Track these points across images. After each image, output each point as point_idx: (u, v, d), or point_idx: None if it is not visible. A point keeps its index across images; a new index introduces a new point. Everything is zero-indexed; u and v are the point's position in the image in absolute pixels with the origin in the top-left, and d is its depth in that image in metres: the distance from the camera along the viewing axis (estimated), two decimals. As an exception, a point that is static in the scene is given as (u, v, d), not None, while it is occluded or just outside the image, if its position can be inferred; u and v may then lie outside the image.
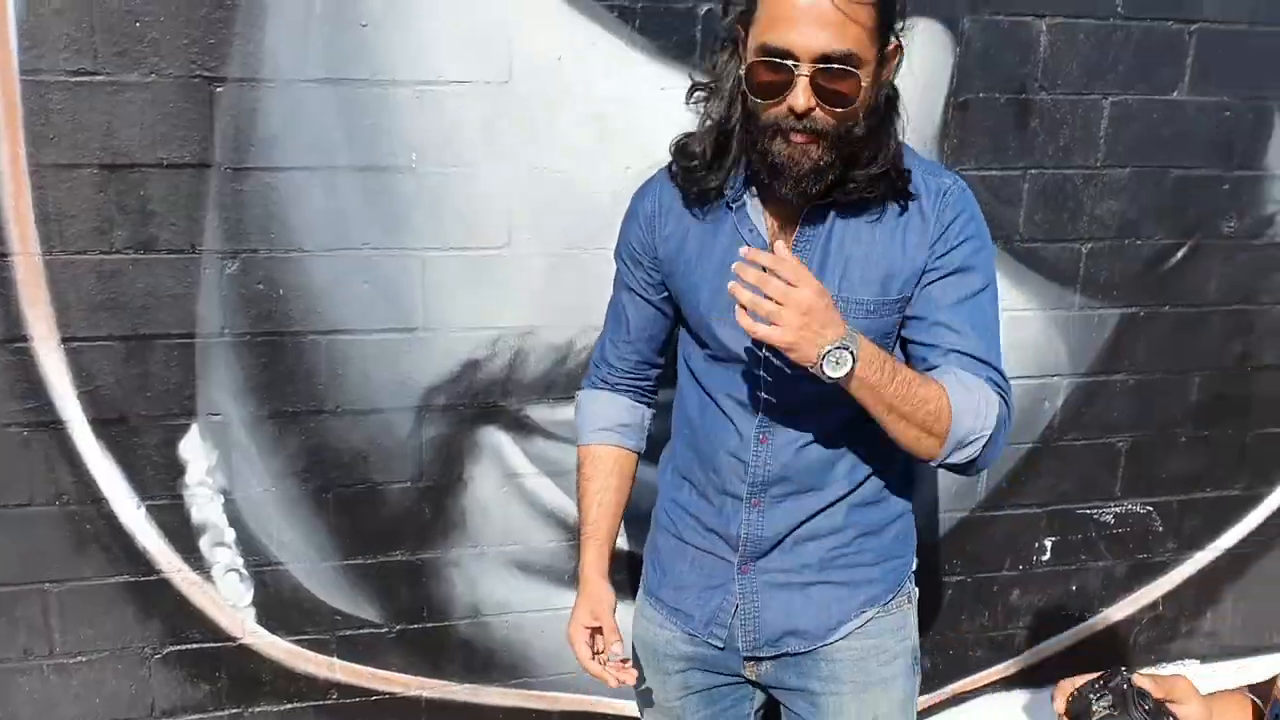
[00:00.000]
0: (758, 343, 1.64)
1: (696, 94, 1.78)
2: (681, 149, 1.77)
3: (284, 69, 2.11)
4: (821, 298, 1.49)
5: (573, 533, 2.52)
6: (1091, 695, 1.31)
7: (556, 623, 2.56)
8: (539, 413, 2.42)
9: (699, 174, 1.72)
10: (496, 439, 2.42)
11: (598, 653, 1.78)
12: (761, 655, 1.84)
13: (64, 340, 2.16)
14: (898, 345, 1.75)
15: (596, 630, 1.78)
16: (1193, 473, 2.91)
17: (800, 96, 1.54)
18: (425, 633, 2.49)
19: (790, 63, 1.53)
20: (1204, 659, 3.09)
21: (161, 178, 2.12)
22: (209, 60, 2.08)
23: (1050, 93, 2.49)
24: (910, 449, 1.63)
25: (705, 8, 2.25)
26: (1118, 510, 2.89)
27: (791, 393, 1.72)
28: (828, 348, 1.49)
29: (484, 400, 2.38)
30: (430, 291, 2.29)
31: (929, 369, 1.65)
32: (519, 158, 2.25)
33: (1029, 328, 2.66)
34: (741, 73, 1.64)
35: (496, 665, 2.55)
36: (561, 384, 2.40)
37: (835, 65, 1.53)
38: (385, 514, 2.40)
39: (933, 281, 1.67)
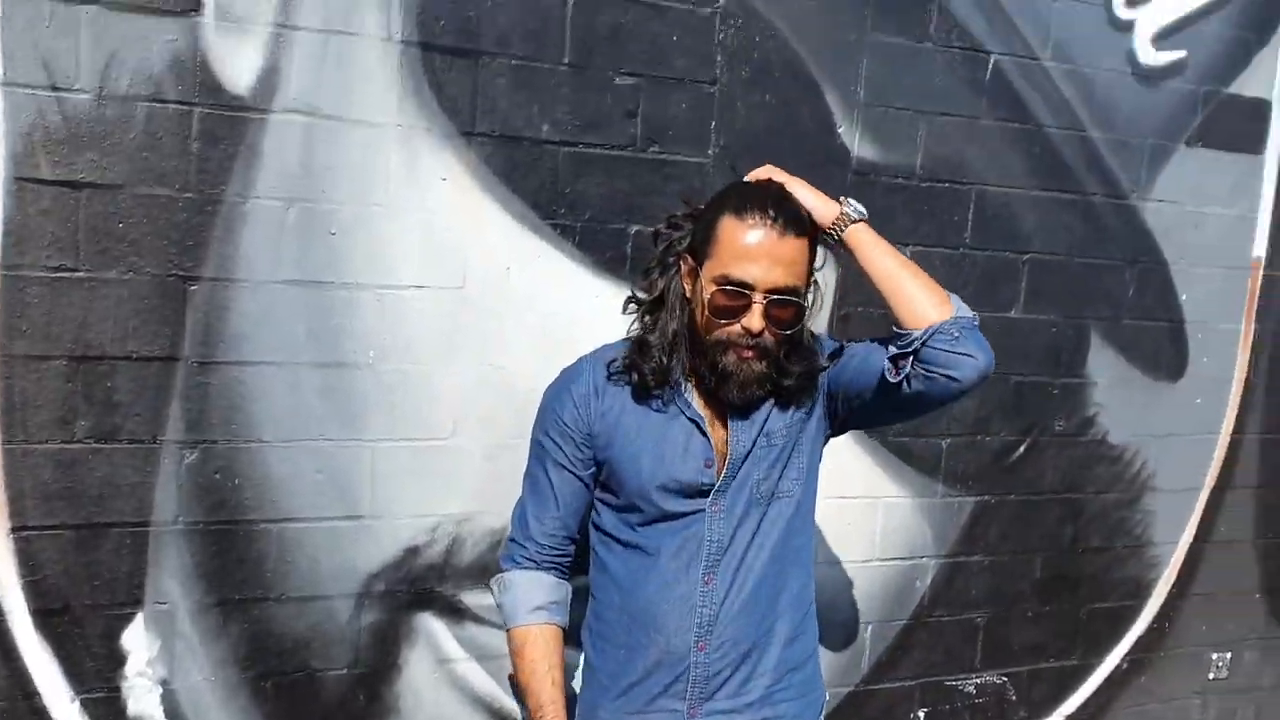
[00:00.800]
0: (699, 495, 1.94)
1: (630, 305, 2.07)
2: (641, 350, 1.99)
3: (257, 271, 2.26)
4: None
5: (496, 716, 2.60)
6: None
7: (480, 808, 2.60)
8: (472, 598, 2.53)
9: (656, 370, 1.96)
10: (431, 625, 2.51)
11: None
12: None
13: (14, 530, 2.15)
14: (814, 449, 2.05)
15: None
16: (1038, 645, 3.24)
17: (756, 320, 1.85)
18: (352, 823, 2.50)
19: (748, 291, 1.84)
20: (1053, 821, 3.37)
21: (129, 369, 2.19)
22: (186, 261, 2.21)
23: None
24: (920, 303, 1.90)
25: (634, 228, 2.54)
26: (978, 681, 3.18)
27: (732, 534, 1.95)
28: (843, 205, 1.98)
29: (421, 586, 2.48)
30: (379, 480, 2.40)
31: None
32: (468, 356, 2.44)
33: (902, 513, 2.97)
34: (688, 293, 1.95)
35: None
36: (494, 569, 2.49)
37: (784, 296, 1.86)
38: (322, 701, 2.43)
39: (842, 370, 2.01)
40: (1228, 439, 3.39)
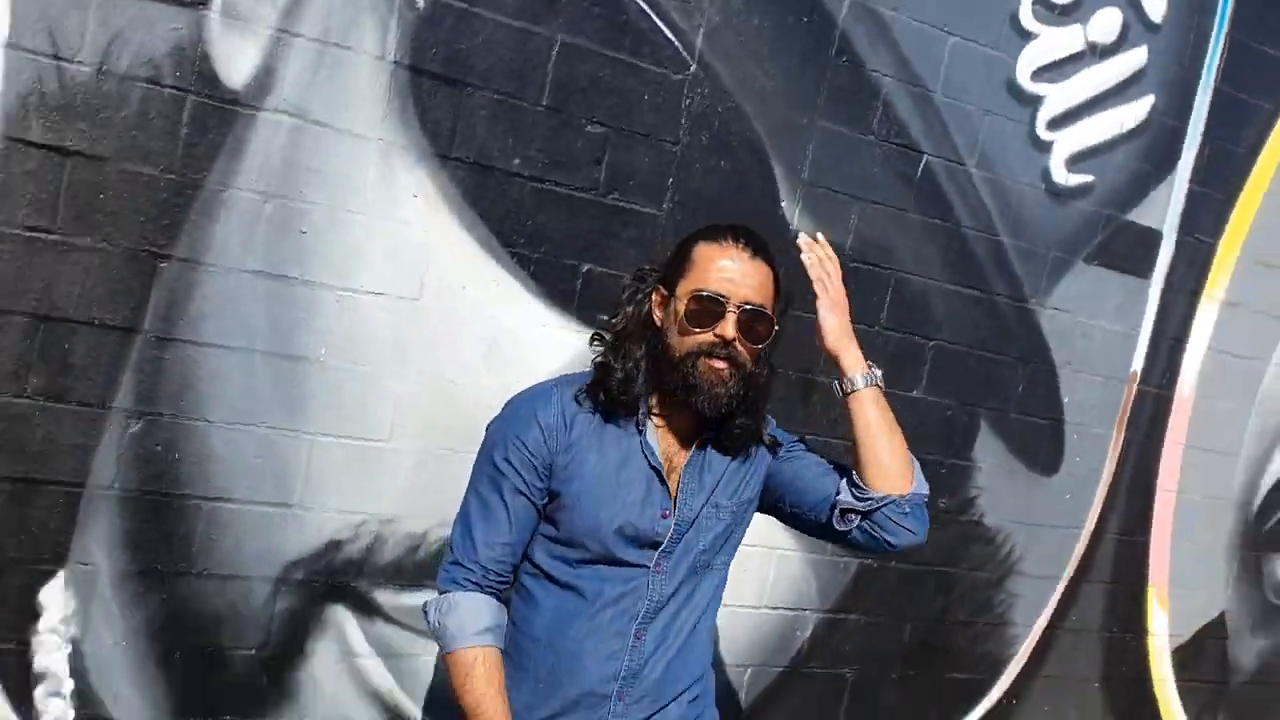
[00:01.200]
0: (649, 547, 2.00)
1: (595, 341, 2.09)
2: (606, 371, 2.01)
3: (226, 257, 2.35)
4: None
5: (390, 713, 2.69)
6: None
7: (362, 802, 2.68)
8: (385, 597, 2.62)
9: (622, 381, 1.99)
10: (342, 618, 2.59)
11: None
12: None
13: (-48, 475, 2.19)
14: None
15: None
16: (896, 706, 3.45)
17: (730, 327, 1.93)
18: (236, 803, 2.55)
19: (723, 300, 1.94)
20: None
21: (89, 335, 2.25)
22: (159, 238, 2.29)
23: (828, 378, 3.08)
24: (889, 472, 2.01)
25: (586, 267, 2.70)
26: (839, 734, 3.38)
27: (669, 596, 2.03)
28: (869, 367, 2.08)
29: (339, 579, 2.57)
30: (314, 472, 2.49)
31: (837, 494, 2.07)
32: (415, 365, 2.56)
33: (792, 565, 3.16)
34: (659, 320, 2.01)
35: (296, 842, 2.63)
36: (410, 572, 2.63)
37: (756, 308, 1.97)
38: (226, 678, 2.48)
39: (783, 466, 2.12)
40: (1089, 535, 3.68)
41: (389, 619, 2.64)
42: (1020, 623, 3.63)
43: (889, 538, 2.03)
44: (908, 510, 2.03)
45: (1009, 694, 3.65)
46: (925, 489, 2.07)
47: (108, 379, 2.29)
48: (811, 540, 3.15)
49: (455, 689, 1.97)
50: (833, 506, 2.05)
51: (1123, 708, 3.88)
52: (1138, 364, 3.63)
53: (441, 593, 2.00)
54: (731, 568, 2.95)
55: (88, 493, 2.30)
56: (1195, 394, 3.75)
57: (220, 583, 2.45)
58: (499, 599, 2.02)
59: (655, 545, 2.00)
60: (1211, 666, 4.05)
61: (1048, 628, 3.68)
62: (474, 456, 2.55)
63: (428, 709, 2.71)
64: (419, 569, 2.64)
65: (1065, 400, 3.52)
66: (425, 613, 2.01)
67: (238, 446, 2.41)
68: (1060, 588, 3.67)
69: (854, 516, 2.03)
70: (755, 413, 2.07)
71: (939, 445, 3.32)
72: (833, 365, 2.12)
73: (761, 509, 2.19)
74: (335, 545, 2.55)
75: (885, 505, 2.01)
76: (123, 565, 2.36)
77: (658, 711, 2.06)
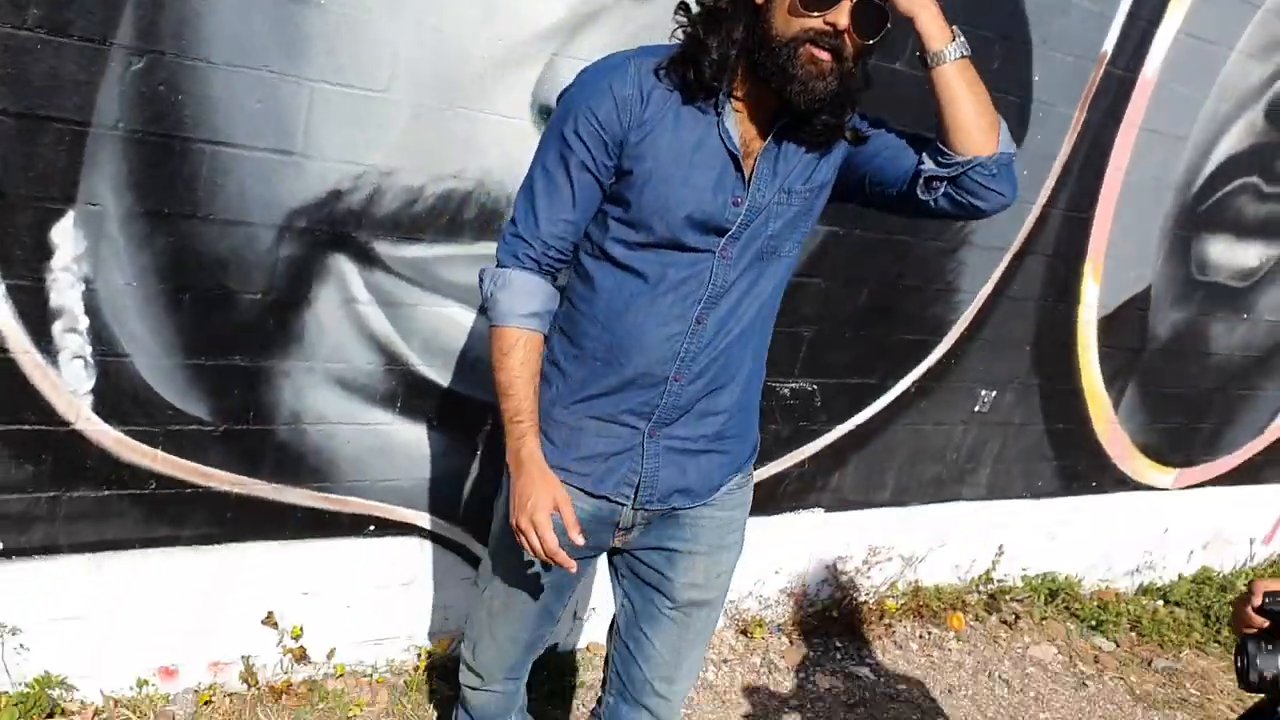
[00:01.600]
0: (715, 233, 1.94)
1: (679, 13, 1.93)
2: (699, 47, 1.88)
3: (222, -114, 2.22)
4: None
5: (388, 357, 2.82)
6: None
7: (363, 436, 2.85)
8: (384, 248, 2.69)
9: (716, 63, 1.87)
10: (343, 266, 2.66)
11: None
12: (650, 509, 2.11)
13: (-47, 108, 2.14)
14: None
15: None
16: (848, 362, 3.70)
17: (843, 16, 1.79)
18: (246, 434, 2.69)
19: None
20: (828, 509, 3.93)
21: (85, -35, 2.16)
22: None
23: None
24: (974, 134, 1.90)
25: (587, -85, 2.61)
26: (794, 386, 3.62)
27: (733, 282, 1.98)
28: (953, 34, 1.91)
29: (340, 229, 2.61)
30: (314, 121, 2.48)
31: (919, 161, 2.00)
32: (414, 12, 2.49)
33: (765, 231, 3.27)
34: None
35: (304, 469, 2.81)
36: (406, 225, 2.68)
37: (875, 3, 1.82)
38: (233, 320, 2.57)
39: (863, 147, 2.03)
40: (1039, 210, 3.84)
41: (387, 269, 2.71)
42: (966, 290, 3.84)
43: (977, 201, 1.96)
44: (995, 171, 1.93)
45: (949, 354, 3.92)
46: (1013, 148, 1.96)
47: (107, 13, 2.21)
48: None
49: (492, 363, 2.00)
50: (916, 175, 1.98)
51: (1048, 368, 4.21)
52: (1109, 44, 3.67)
53: (499, 265, 1.99)
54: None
55: (94, 131, 2.28)
56: (1158, 77, 3.83)
57: (224, 228, 2.48)
58: (554, 280, 2.02)
59: (722, 232, 1.95)
60: (1131, 335, 4.37)
61: (990, 295, 3.90)
62: (464, 111, 2.58)
63: (423, 354, 2.86)
64: (415, 222, 2.69)
65: (1036, 79, 3.57)
66: (480, 280, 2.01)
67: (238, 90, 2.38)
68: (1006, 259, 3.87)
69: (939, 184, 1.96)
70: (841, 113, 1.95)
71: (912, 113, 3.37)
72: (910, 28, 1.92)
73: (837, 195, 2.11)
74: (336, 195, 2.58)
75: (972, 168, 1.92)
76: (130, 206, 2.37)
77: (711, 392, 2.07)
